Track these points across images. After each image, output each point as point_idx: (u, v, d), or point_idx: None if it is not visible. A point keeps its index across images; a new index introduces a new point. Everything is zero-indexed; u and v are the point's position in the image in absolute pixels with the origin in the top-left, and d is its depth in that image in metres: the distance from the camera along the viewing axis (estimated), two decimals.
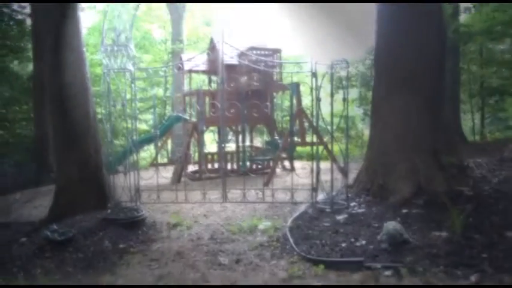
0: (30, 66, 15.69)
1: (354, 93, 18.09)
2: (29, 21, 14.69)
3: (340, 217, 5.52)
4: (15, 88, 15.40)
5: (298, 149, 13.06)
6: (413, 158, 5.80)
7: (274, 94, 13.22)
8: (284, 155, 11.75)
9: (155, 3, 22.23)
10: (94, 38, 20.77)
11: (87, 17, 22.38)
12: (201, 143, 10.39)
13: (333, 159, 6.88)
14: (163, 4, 21.32)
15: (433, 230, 4.55)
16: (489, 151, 10.27)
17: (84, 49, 6.71)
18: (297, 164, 12.82)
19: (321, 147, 7.55)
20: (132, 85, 6.40)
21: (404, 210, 5.26)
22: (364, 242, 4.56)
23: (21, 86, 15.28)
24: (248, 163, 11.62)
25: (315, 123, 6.40)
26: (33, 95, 12.88)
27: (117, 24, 6.17)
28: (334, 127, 6.25)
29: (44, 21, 6.41)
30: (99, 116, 8.68)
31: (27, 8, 14.61)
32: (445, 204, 4.86)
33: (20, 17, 15.17)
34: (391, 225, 4.42)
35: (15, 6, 14.99)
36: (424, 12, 5.96)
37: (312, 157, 6.54)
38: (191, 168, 12.49)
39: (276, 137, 12.23)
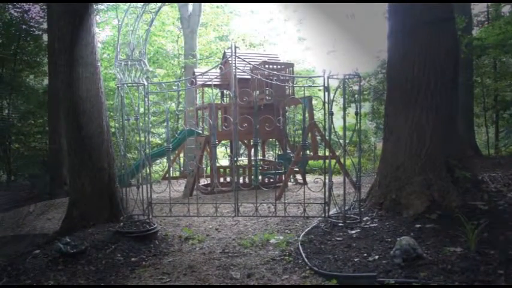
0: (45, 81, 15.97)
1: (366, 107, 18.05)
2: (45, 37, 14.99)
3: (353, 232, 5.48)
4: (31, 102, 15.67)
5: (311, 162, 13.03)
6: (426, 172, 5.75)
7: (287, 108, 13.27)
8: (296, 169, 11.73)
9: (168, 19, 22.53)
10: (108, 52, 21.08)
11: (102, 32, 22.77)
12: (213, 157, 10.43)
13: (346, 173, 6.85)
14: (177, 19, 21.61)
15: (447, 245, 4.49)
16: (504, 165, 10.16)
17: (99, 64, 6.81)
18: (309, 178, 12.80)
19: (333, 161, 7.52)
20: (146, 99, 6.46)
21: (418, 225, 5.20)
22: (377, 257, 4.51)
23: (37, 100, 15.54)
24: (260, 177, 11.61)
25: (327, 137, 6.38)
26: (48, 108, 13.07)
27: (131, 39, 6.26)
28: (347, 141, 6.23)
29: (59, 37, 6.52)
30: (113, 130, 8.77)
31: (44, 24, 14.92)
32: (459, 219, 4.80)
33: (36, 32, 15.49)
34: (405, 240, 4.37)
35: (32, 22, 15.32)
36: (436, 26, 5.94)
37: (324, 171, 6.51)
38: (203, 181, 12.52)
39: (288, 151, 12.24)
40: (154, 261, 5.25)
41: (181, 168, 18.11)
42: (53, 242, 5.56)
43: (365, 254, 4.66)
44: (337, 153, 8.91)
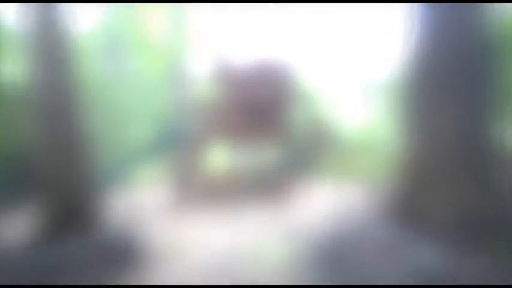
0: (8, 68, 15.90)
1: (384, 99, 18.10)
2: (10, 19, 14.93)
3: (366, 243, 5.43)
4: None
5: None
6: (456, 176, 5.71)
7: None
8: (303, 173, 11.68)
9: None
10: (88, 36, 21.11)
11: (81, 13, 22.79)
12: (204, 158, 10.34)
13: (360, 176, 6.79)
14: None
15: (478, 262, 4.44)
16: None
17: (75, 49, 6.73)
18: (318, 183, 12.77)
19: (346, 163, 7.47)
20: (129, 89, 6.37)
21: (444, 237, 5.17)
22: (393, 273, 4.44)
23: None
24: (260, 183, 11.56)
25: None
26: (15, 101, 13.00)
27: (115, 23, 6.18)
28: (362, 139, 6.17)
29: (28, 17, 6.45)
30: (89, 124, 8.69)
31: (9, 3, 14.85)
32: (493, 231, 4.76)
33: None
34: (427, 255, 4.34)
35: None
36: (470, 10, 5.90)
37: (336, 174, 6.44)
38: (193, 187, 12.47)
39: (294, 152, 12.19)
40: (135, 281, 5.17)
41: (169, 171, 18.09)
42: (16, 257, 5.50)
43: (380, 269, 4.59)
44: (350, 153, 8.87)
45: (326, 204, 7.92)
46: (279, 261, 5.52)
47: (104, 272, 5.26)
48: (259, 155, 12.48)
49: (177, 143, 13.84)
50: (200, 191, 11.61)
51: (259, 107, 9.73)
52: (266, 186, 11.80)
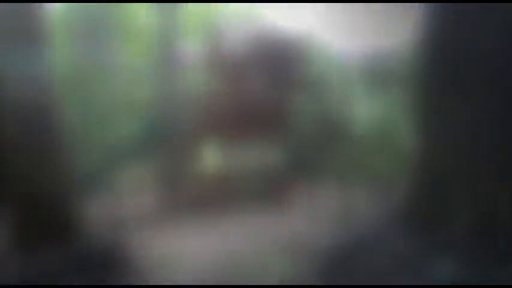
0: None
1: (395, 92, 18.04)
2: None
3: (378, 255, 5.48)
4: None
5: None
6: (477, 181, 5.74)
7: None
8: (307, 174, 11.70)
9: None
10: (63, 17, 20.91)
11: None
12: (195, 158, 10.37)
13: (369, 179, 6.85)
14: None
15: (506, 278, 4.49)
16: None
17: (50, 32, 6.72)
18: (325, 185, 12.79)
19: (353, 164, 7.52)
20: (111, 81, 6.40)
21: (466, 249, 5.19)
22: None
23: None
24: (259, 186, 11.57)
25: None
26: None
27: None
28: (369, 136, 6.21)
29: None
30: (69, 122, 8.71)
31: None
32: None
33: None
34: (446, 267, 4.38)
35: None
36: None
37: (343, 177, 6.50)
38: (185, 189, 12.49)
39: (297, 150, 12.20)
40: None
41: (158, 173, 18.04)
42: None
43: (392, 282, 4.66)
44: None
45: (333, 209, 7.97)
46: (279, 273, 5.55)
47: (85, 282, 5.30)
48: (258, 154, 12.47)
49: (166, 142, 13.86)
50: (191, 195, 11.63)
51: (259, 98, 9.73)
52: (266, 189, 11.82)
